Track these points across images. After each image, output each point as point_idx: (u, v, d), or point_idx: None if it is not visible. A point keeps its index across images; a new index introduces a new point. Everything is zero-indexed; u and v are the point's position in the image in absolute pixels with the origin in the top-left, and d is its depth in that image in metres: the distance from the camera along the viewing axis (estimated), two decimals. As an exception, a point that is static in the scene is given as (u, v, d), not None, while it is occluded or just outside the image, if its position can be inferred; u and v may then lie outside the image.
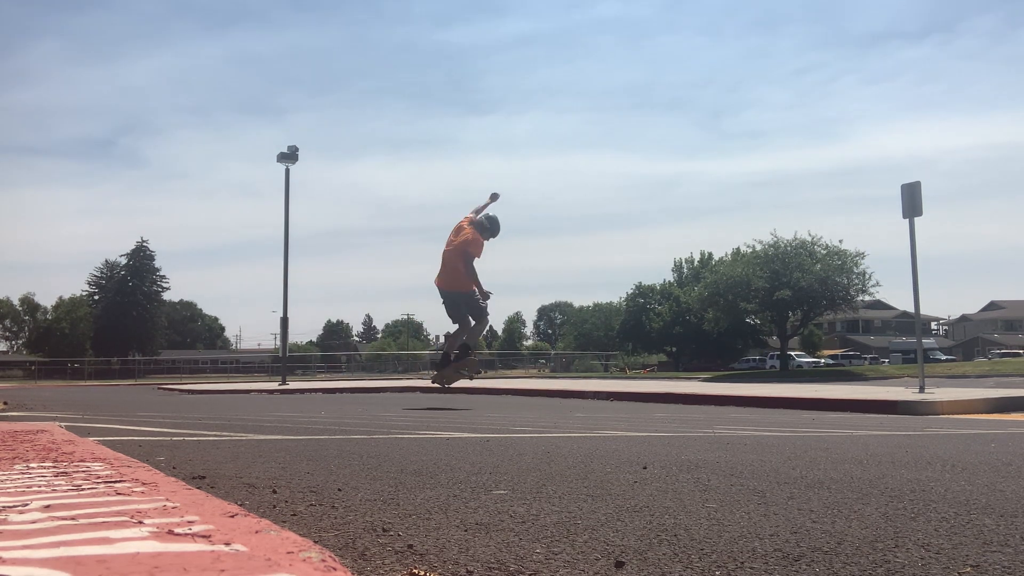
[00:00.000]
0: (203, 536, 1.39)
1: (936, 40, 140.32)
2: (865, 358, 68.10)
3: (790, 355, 47.73)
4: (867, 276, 40.79)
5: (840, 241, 41.71)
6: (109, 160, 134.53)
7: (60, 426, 4.40)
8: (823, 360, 59.25)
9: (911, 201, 10.39)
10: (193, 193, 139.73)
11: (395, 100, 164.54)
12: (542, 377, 44.94)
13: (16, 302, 78.76)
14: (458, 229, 8.82)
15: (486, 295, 8.69)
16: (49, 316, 76.61)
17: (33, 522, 1.53)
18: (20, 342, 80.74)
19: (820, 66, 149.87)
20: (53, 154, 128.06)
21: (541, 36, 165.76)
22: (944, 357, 63.87)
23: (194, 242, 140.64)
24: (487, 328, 8.90)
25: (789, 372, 40.63)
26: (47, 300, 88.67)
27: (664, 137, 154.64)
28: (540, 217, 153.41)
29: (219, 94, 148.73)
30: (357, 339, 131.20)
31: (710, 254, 63.91)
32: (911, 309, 11.06)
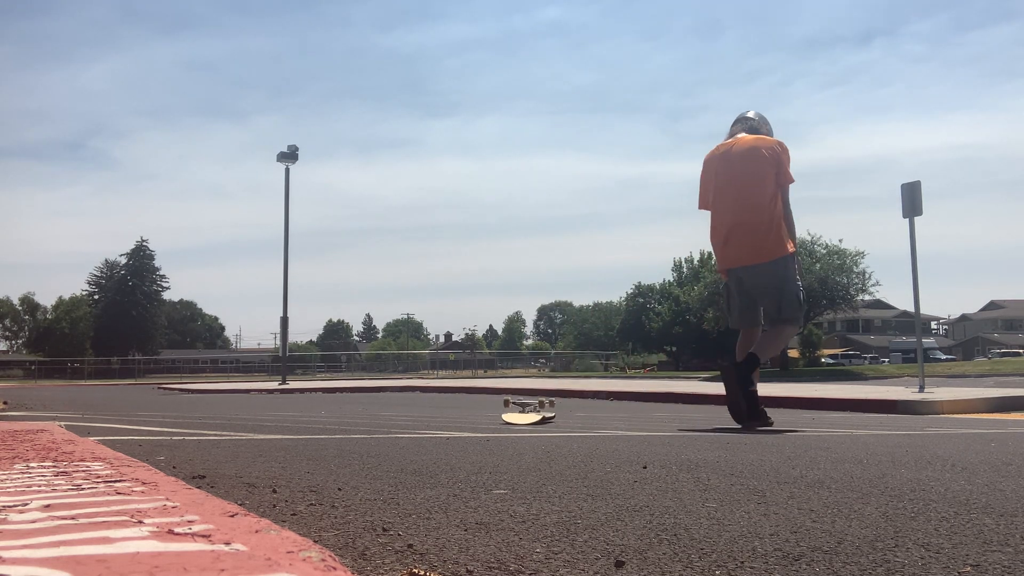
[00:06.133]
0: (203, 536, 1.39)
1: (881, 44, 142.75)
2: (865, 357, 68.09)
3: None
4: (867, 275, 40.82)
5: (840, 240, 41.75)
6: (79, 162, 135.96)
7: (60, 426, 4.40)
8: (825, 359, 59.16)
9: (911, 201, 10.38)
10: (178, 194, 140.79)
11: (354, 103, 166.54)
12: (542, 377, 44.92)
13: (16, 302, 78.75)
14: (733, 153, 5.05)
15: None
16: (49, 316, 76.62)
17: (33, 521, 1.53)
18: (20, 342, 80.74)
19: (768, 71, 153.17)
20: (30, 156, 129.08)
21: (485, 41, 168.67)
22: (944, 357, 63.91)
23: (192, 242, 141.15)
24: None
25: (789, 372, 40.61)
26: (47, 300, 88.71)
27: (628, 139, 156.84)
28: (528, 217, 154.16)
29: (177, 98, 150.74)
30: (357, 339, 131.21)
31: (709, 254, 63.87)
32: (911, 308, 11.06)
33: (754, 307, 5.14)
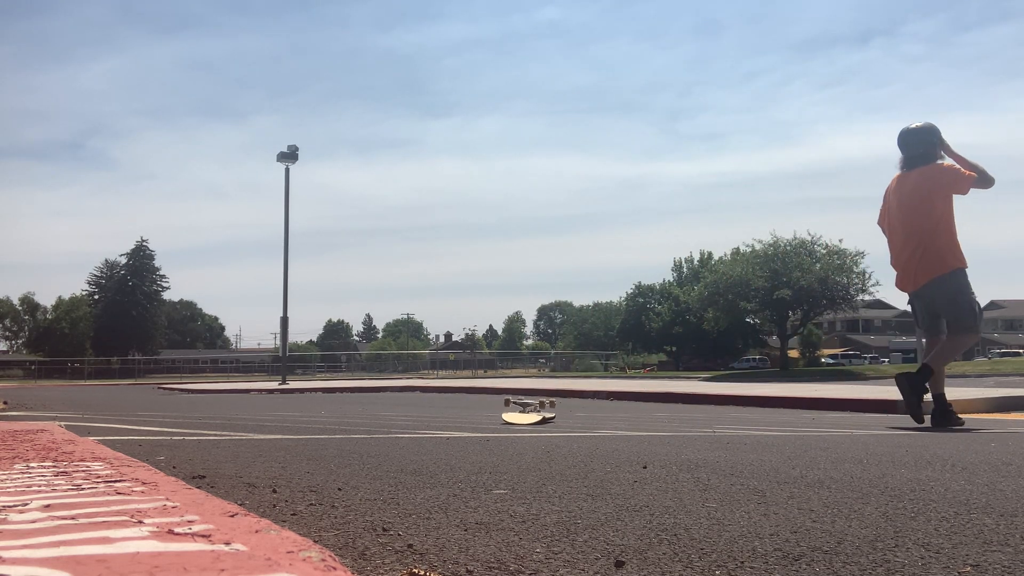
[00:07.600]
0: (203, 536, 1.39)
1: (880, 44, 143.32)
2: (865, 357, 68.13)
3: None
4: (867, 275, 40.84)
5: (840, 240, 41.81)
6: (79, 162, 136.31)
7: (60, 425, 4.40)
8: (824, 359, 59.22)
9: (911, 201, 10.37)
10: (177, 194, 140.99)
11: (353, 103, 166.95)
12: (542, 376, 44.94)
13: (16, 302, 78.74)
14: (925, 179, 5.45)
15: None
16: (49, 316, 76.62)
17: (33, 521, 1.53)
18: (20, 342, 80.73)
19: (768, 71, 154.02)
20: (29, 156, 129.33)
21: (483, 41, 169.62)
22: (944, 357, 63.67)
23: (192, 242, 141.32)
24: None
25: (789, 372, 40.62)
26: (47, 300, 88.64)
27: (627, 139, 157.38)
28: (528, 217, 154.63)
29: (176, 98, 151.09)
30: (357, 339, 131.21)
31: (710, 253, 63.95)
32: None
33: (936, 319, 5.65)
